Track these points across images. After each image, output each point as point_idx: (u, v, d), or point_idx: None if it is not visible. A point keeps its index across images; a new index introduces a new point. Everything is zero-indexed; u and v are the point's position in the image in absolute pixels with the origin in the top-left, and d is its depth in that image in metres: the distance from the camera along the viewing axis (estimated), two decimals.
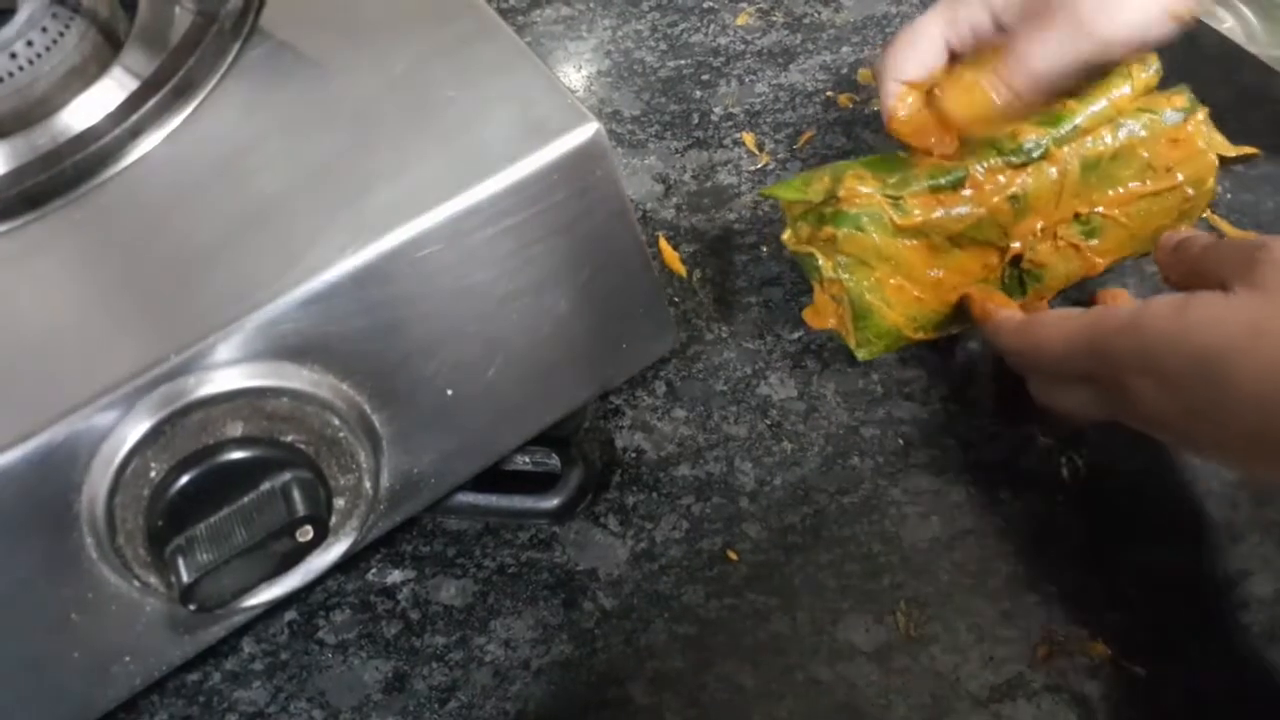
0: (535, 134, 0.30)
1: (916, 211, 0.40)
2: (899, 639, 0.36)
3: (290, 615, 0.38)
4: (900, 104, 0.42)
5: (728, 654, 0.36)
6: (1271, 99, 0.50)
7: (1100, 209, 0.42)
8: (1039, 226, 0.41)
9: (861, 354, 0.42)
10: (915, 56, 0.41)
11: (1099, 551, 0.38)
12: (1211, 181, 0.42)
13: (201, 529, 0.27)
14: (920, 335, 0.42)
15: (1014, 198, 0.41)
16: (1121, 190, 0.42)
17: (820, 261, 0.41)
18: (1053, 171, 0.41)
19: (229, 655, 0.37)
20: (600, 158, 0.31)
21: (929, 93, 0.42)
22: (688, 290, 0.46)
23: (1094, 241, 0.42)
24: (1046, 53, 0.38)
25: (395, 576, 0.38)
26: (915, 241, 0.40)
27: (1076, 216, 0.42)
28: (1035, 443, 0.41)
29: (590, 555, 0.39)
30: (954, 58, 0.42)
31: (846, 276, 0.40)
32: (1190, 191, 0.42)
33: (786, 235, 0.43)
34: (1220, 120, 0.43)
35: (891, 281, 0.41)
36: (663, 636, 0.37)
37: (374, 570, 0.39)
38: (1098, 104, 0.41)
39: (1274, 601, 0.37)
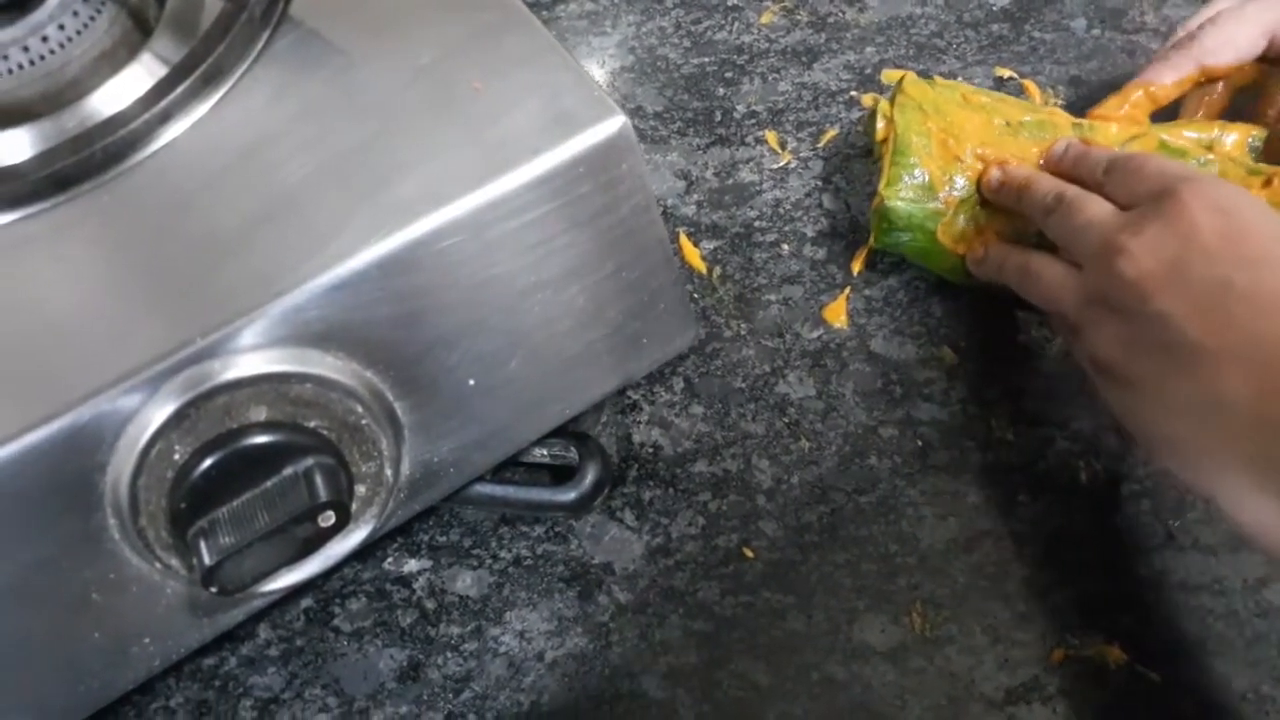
0: (561, 126, 0.30)
1: (984, 98, 0.44)
2: (914, 639, 0.36)
3: (306, 602, 0.38)
4: (1173, 83, 0.43)
5: (742, 651, 0.36)
6: None
7: None
8: None
9: (888, 193, 0.42)
10: (1233, 43, 0.42)
11: (1116, 556, 0.38)
12: None
13: (224, 512, 0.27)
14: (947, 200, 0.42)
15: (1077, 125, 0.43)
16: None
17: (882, 106, 0.44)
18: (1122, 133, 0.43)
19: (245, 641, 0.37)
20: (626, 151, 0.31)
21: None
22: (707, 287, 0.46)
23: None
24: None
25: (411, 566, 0.39)
26: (978, 116, 0.43)
27: None
28: (1054, 446, 0.40)
29: (606, 549, 0.39)
30: (1263, 59, 0.43)
31: (900, 117, 0.43)
32: None
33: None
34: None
35: (940, 136, 0.43)
36: (677, 632, 0.37)
37: (390, 559, 0.39)
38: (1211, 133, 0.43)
39: None
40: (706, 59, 0.54)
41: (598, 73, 0.54)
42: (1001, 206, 0.42)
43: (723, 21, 0.56)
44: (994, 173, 0.41)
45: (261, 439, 0.28)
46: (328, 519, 0.28)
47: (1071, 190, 0.37)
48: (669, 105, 0.52)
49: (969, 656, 0.36)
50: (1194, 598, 0.37)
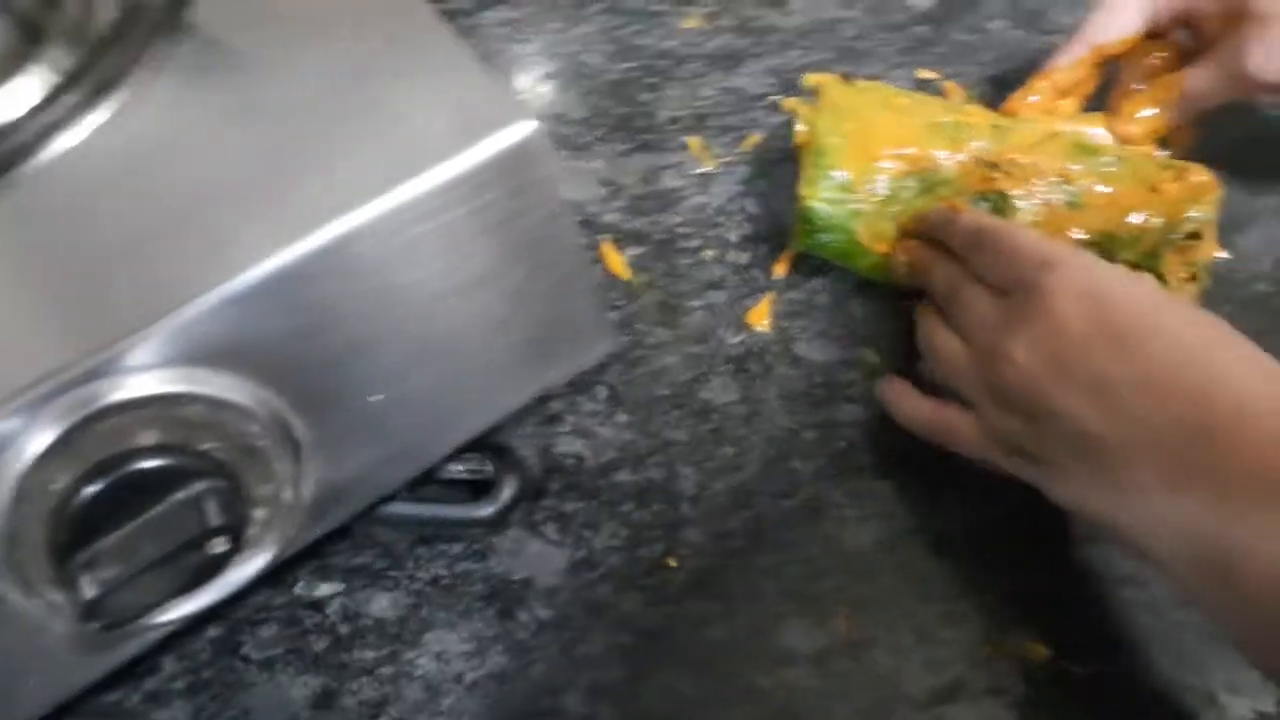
0: (469, 131, 0.29)
1: (905, 100, 0.44)
2: (840, 643, 0.36)
3: (214, 632, 0.37)
4: (1068, 65, 0.46)
5: (667, 662, 0.36)
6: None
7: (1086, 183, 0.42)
8: (1012, 158, 0.42)
9: (808, 193, 0.42)
10: (1117, 21, 0.45)
11: (1040, 552, 0.38)
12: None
13: (108, 542, 0.26)
14: (867, 200, 0.42)
15: (996, 126, 0.43)
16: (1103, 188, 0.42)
17: (802, 110, 0.45)
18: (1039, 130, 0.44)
19: (149, 675, 0.36)
20: (537, 156, 0.30)
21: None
22: (631, 294, 0.45)
23: (1074, 211, 0.42)
24: (1206, 93, 0.43)
25: (324, 590, 0.37)
26: (897, 117, 0.43)
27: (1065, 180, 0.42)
28: None
29: (527, 565, 0.38)
30: (1149, 36, 0.45)
31: (819, 120, 0.43)
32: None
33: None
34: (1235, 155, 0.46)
35: (858, 137, 0.43)
36: (600, 646, 0.36)
37: (302, 583, 0.37)
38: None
39: None
40: (629, 65, 0.53)
41: (520, 79, 0.53)
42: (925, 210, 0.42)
43: (645, 27, 0.55)
44: (900, 258, 0.42)
45: (148, 464, 0.26)
46: (219, 545, 0.26)
47: (963, 288, 0.37)
48: (592, 111, 0.52)
49: (895, 658, 0.36)
50: (1117, 590, 0.37)
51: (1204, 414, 0.29)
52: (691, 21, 0.56)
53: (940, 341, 0.37)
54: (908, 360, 0.43)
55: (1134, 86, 0.46)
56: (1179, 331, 0.31)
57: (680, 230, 0.47)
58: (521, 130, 0.30)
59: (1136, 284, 0.33)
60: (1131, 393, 0.30)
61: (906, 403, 0.39)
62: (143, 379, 0.27)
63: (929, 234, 0.41)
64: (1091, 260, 0.34)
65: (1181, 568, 0.29)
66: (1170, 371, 0.30)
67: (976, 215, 0.39)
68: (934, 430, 0.38)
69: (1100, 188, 0.42)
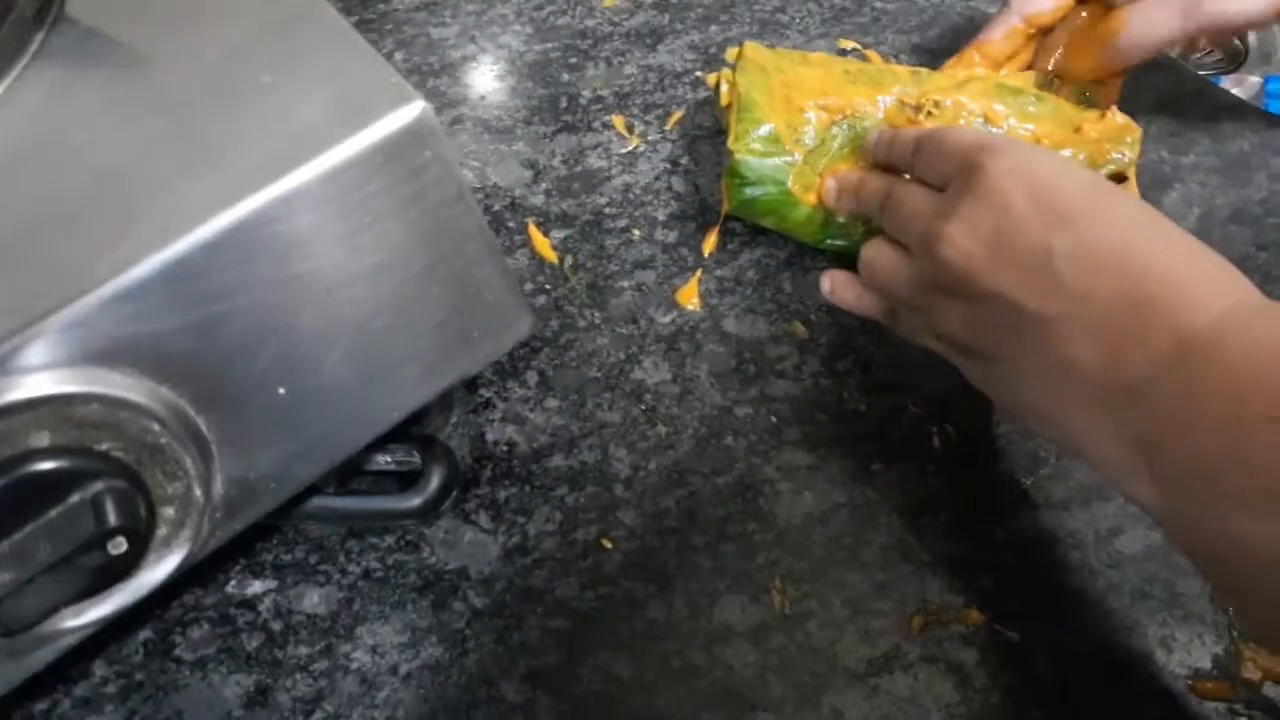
0: (357, 116, 0.29)
1: (823, 57, 0.45)
2: (775, 617, 0.36)
3: (145, 634, 0.36)
4: (1001, 37, 0.45)
5: (603, 645, 0.35)
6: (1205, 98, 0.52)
7: (1011, 122, 0.43)
8: (936, 99, 0.43)
9: (737, 147, 0.42)
10: None
11: (971, 519, 0.38)
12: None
13: (2, 547, 0.25)
14: (796, 149, 0.42)
15: (915, 72, 0.44)
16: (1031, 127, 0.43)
17: (725, 74, 0.45)
18: (961, 75, 0.44)
19: (79, 681, 0.35)
20: (428, 138, 0.30)
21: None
22: (559, 277, 0.45)
23: None
24: (1155, 28, 0.42)
25: (256, 587, 0.37)
26: (817, 69, 0.44)
27: (986, 120, 0.43)
28: (906, 413, 0.41)
29: (460, 554, 0.37)
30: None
31: (742, 78, 0.43)
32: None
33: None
34: (1157, 116, 0.47)
35: (782, 90, 0.43)
36: (536, 632, 0.36)
37: (233, 582, 0.37)
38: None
39: (1143, 558, 0.37)
40: (550, 45, 0.53)
41: (438, 64, 0.53)
42: (854, 156, 0.42)
43: (565, 6, 0.55)
44: (829, 184, 0.41)
45: (42, 466, 0.25)
46: (118, 546, 0.26)
47: (897, 186, 0.37)
48: (512, 93, 0.51)
49: (830, 630, 0.36)
50: (1049, 554, 0.37)
51: (1146, 288, 0.28)
52: (610, 0, 0.55)
53: (875, 252, 0.37)
54: (837, 332, 0.43)
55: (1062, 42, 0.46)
56: (1121, 212, 0.30)
57: (607, 211, 0.47)
58: (410, 112, 0.29)
59: (1078, 168, 0.33)
60: (1072, 265, 0.29)
61: (848, 292, 0.40)
62: (35, 379, 0.26)
63: (874, 162, 0.41)
64: (1031, 146, 0.34)
65: (1109, 451, 0.29)
66: (1112, 246, 0.29)
67: (915, 129, 0.39)
68: (876, 315, 0.39)
69: (1024, 127, 0.42)
